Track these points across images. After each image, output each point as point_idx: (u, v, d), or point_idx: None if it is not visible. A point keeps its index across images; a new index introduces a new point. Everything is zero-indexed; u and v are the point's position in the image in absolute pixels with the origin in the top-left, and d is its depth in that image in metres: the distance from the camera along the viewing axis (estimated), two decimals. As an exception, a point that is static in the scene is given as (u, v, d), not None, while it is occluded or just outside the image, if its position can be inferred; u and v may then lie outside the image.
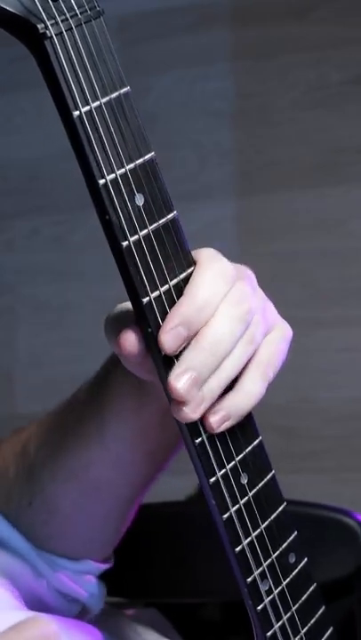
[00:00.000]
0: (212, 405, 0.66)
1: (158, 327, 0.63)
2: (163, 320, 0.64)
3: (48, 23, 0.58)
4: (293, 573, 0.72)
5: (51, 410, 0.83)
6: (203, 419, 0.66)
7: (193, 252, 0.67)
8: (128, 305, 0.66)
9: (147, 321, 0.63)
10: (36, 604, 0.83)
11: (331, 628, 0.76)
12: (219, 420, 0.66)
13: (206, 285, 0.65)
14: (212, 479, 0.66)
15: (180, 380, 0.63)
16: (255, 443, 0.69)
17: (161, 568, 1.14)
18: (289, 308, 2.21)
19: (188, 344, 0.64)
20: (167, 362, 0.64)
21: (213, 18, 2.12)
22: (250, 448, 0.69)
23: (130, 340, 0.64)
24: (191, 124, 2.12)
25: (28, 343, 2.19)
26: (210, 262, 0.66)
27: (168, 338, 0.63)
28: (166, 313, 0.64)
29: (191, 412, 0.64)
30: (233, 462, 0.68)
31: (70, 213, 2.02)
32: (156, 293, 0.63)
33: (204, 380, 0.64)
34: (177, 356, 0.64)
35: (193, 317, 0.64)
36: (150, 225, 0.63)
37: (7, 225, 2.22)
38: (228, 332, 0.65)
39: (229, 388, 0.67)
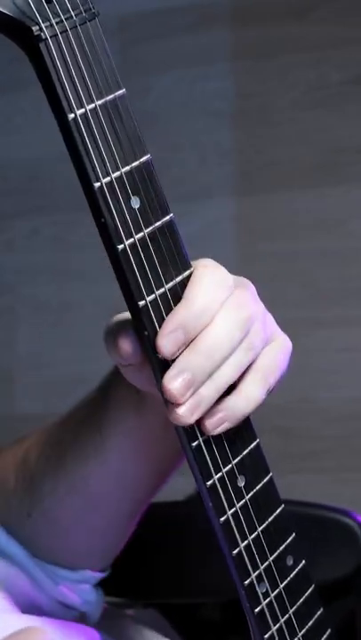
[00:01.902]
0: (210, 407, 0.65)
1: (155, 331, 0.63)
2: (159, 324, 0.63)
3: (43, 25, 0.58)
4: (291, 576, 0.72)
5: (52, 421, 0.83)
6: (200, 420, 0.65)
7: (192, 262, 0.67)
8: (126, 315, 0.66)
9: (143, 325, 0.63)
10: (32, 609, 0.83)
11: (329, 630, 0.76)
12: (215, 422, 0.66)
13: (205, 291, 0.65)
14: (209, 482, 0.66)
15: (173, 381, 0.63)
16: (252, 445, 0.69)
17: (161, 568, 1.14)
18: (289, 308, 2.23)
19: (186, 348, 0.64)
20: (165, 368, 0.64)
21: (213, 18, 2.11)
22: (247, 451, 0.69)
23: (128, 344, 0.64)
24: (191, 124, 2.12)
25: (28, 343, 2.19)
26: (209, 269, 0.66)
27: (166, 342, 0.63)
28: (163, 316, 0.64)
29: (186, 416, 0.64)
30: (230, 465, 0.67)
31: (70, 213, 2.01)
32: (152, 297, 0.63)
33: (200, 383, 0.64)
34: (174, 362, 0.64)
35: (191, 322, 0.64)
36: (146, 228, 0.63)
37: (7, 225, 2.22)
38: (226, 336, 0.65)
39: (228, 393, 0.67)
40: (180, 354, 0.64)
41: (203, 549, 1.10)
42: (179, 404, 0.64)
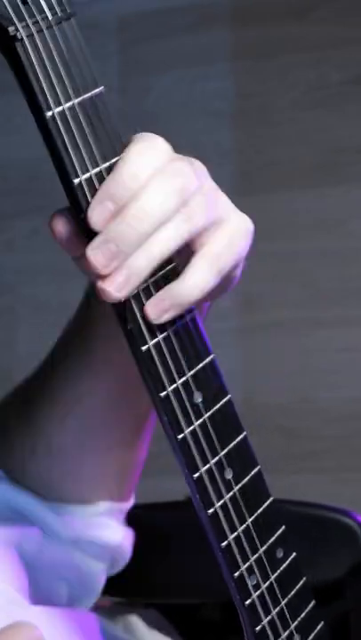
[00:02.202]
0: (154, 294, 0.63)
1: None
2: None
3: (19, 25, 0.59)
4: (282, 568, 0.72)
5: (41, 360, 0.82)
6: (143, 310, 0.63)
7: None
8: None
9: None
10: (45, 576, 0.82)
11: (322, 623, 0.76)
12: (159, 309, 0.62)
13: (134, 158, 0.61)
14: (196, 474, 0.66)
15: (96, 251, 0.60)
16: (240, 438, 0.69)
17: (161, 568, 1.14)
18: (289, 307, 2.23)
19: None
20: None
21: (213, 18, 2.12)
22: (234, 443, 0.68)
23: (59, 222, 0.62)
24: (191, 124, 2.12)
25: (27, 343, 2.19)
26: (141, 139, 0.63)
27: (94, 214, 0.60)
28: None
29: (115, 291, 0.60)
30: (217, 457, 0.67)
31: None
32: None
33: (127, 253, 0.60)
34: None
35: (119, 190, 0.60)
36: None
37: (7, 225, 2.22)
38: (156, 203, 0.61)
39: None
40: None
41: (203, 549, 1.10)
42: (106, 277, 0.60)
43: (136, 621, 1.04)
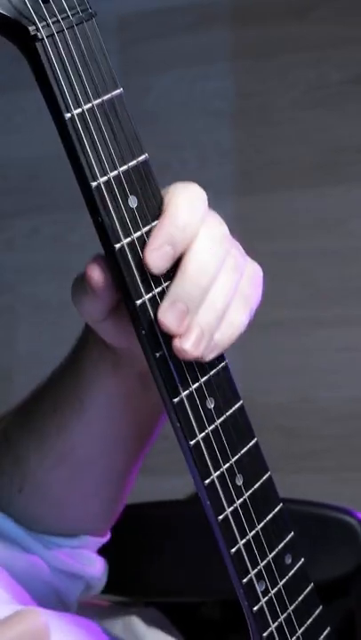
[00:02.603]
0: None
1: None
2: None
3: (39, 25, 0.58)
4: (290, 574, 0.72)
5: (26, 396, 0.82)
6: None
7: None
8: None
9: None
10: (33, 589, 0.82)
11: (328, 628, 0.76)
12: (206, 351, 0.64)
13: (186, 205, 0.63)
14: (207, 480, 0.66)
15: (167, 313, 0.61)
16: (251, 444, 0.69)
17: (161, 567, 1.14)
18: (289, 308, 2.22)
19: (174, 280, 0.62)
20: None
21: (213, 18, 2.12)
22: (245, 449, 0.68)
23: (97, 268, 0.63)
24: (191, 124, 2.12)
25: (27, 342, 2.19)
26: (182, 185, 0.65)
27: (155, 257, 0.61)
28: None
29: (193, 349, 0.62)
30: (228, 463, 0.67)
31: (70, 212, 2.02)
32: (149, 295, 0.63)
33: (193, 310, 0.62)
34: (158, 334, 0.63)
35: (177, 235, 0.62)
36: (144, 227, 0.63)
37: (7, 224, 2.22)
38: (211, 256, 0.63)
39: None
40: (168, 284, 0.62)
41: (203, 548, 1.10)
42: (182, 336, 0.62)
43: (135, 620, 1.04)
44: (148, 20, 2.14)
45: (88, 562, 0.85)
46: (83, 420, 0.76)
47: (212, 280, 0.63)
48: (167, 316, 0.61)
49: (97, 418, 0.76)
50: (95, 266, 0.63)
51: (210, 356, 0.64)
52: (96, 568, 0.86)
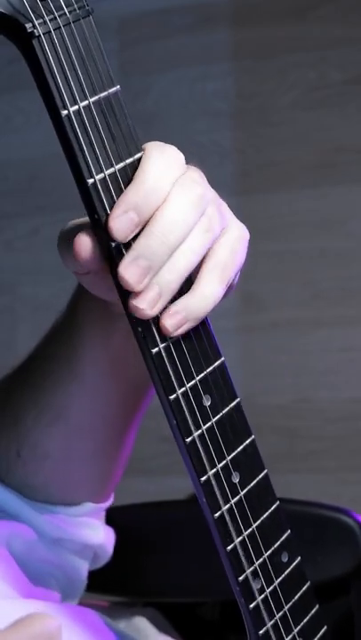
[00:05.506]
0: (167, 308, 0.63)
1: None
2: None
3: (36, 22, 0.58)
4: (286, 572, 0.72)
5: (27, 353, 0.82)
6: (158, 324, 0.63)
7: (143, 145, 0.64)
8: (80, 220, 0.65)
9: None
10: (35, 567, 0.82)
11: (325, 627, 0.76)
12: (175, 324, 0.63)
13: (154, 168, 0.62)
14: (203, 478, 0.66)
15: (129, 268, 0.60)
16: (247, 442, 0.69)
17: (160, 568, 1.14)
18: (289, 307, 2.22)
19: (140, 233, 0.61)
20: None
21: (213, 18, 2.12)
22: (242, 447, 0.69)
23: (84, 243, 0.61)
24: (191, 124, 2.12)
25: (27, 343, 2.18)
26: (157, 148, 0.64)
27: (117, 224, 0.60)
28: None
29: (148, 308, 0.61)
30: (224, 461, 0.67)
31: (70, 213, 2.02)
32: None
33: (157, 268, 0.61)
34: None
35: (142, 201, 0.61)
36: None
37: (7, 225, 2.22)
38: (181, 215, 0.61)
39: (184, 292, 0.64)
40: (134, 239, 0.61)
41: (203, 548, 1.10)
42: (138, 294, 0.61)
43: (141, 620, 1.04)
44: (148, 19, 2.14)
45: (90, 529, 0.84)
46: (77, 376, 0.76)
47: (178, 239, 0.62)
48: (127, 272, 0.60)
49: (90, 373, 0.75)
50: (83, 240, 0.62)
51: (181, 329, 0.63)
52: (100, 535, 0.85)
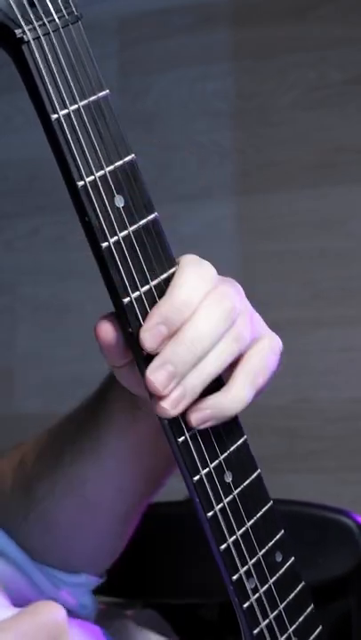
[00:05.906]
0: (197, 402, 0.65)
1: (139, 328, 0.64)
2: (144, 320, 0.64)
3: (26, 28, 0.59)
4: (280, 572, 0.72)
5: (50, 426, 0.84)
6: (185, 415, 0.66)
7: (178, 259, 0.67)
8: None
9: (128, 322, 0.64)
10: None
11: (320, 627, 0.76)
12: (201, 419, 0.65)
13: (187, 285, 0.65)
14: (196, 477, 0.67)
15: (156, 373, 0.63)
16: (240, 442, 0.69)
17: (160, 568, 1.13)
18: (289, 307, 2.22)
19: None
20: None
21: (213, 18, 2.12)
22: (234, 447, 0.69)
23: (106, 329, 0.64)
24: (191, 124, 2.12)
25: (27, 343, 2.19)
26: (191, 264, 0.66)
27: (148, 336, 0.63)
28: (147, 313, 0.64)
29: (170, 408, 0.64)
30: (217, 461, 0.68)
31: (70, 213, 2.01)
32: (136, 294, 0.64)
33: (183, 374, 0.64)
34: None
35: (173, 315, 0.64)
36: (131, 226, 0.63)
37: (7, 225, 2.22)
38: (208, 326, 0.65)
39: (217, 390, 0.67)
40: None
41: (202, 549, 1.10)
42: (162, 397, 0.63)
43: (139, 621, 1.04)
44: (148, 20, 2.14)
45: (84, 601, 0.87)
46: (97, 457, 0.78)
47: (206, 348, 0.65)
48: (154, 376, 0.63)
49: (110, 458, 0.78)
50: (104, 326, 0.65)
51: (205, 425, 0.66)
52: (89, 608, 0.88)
